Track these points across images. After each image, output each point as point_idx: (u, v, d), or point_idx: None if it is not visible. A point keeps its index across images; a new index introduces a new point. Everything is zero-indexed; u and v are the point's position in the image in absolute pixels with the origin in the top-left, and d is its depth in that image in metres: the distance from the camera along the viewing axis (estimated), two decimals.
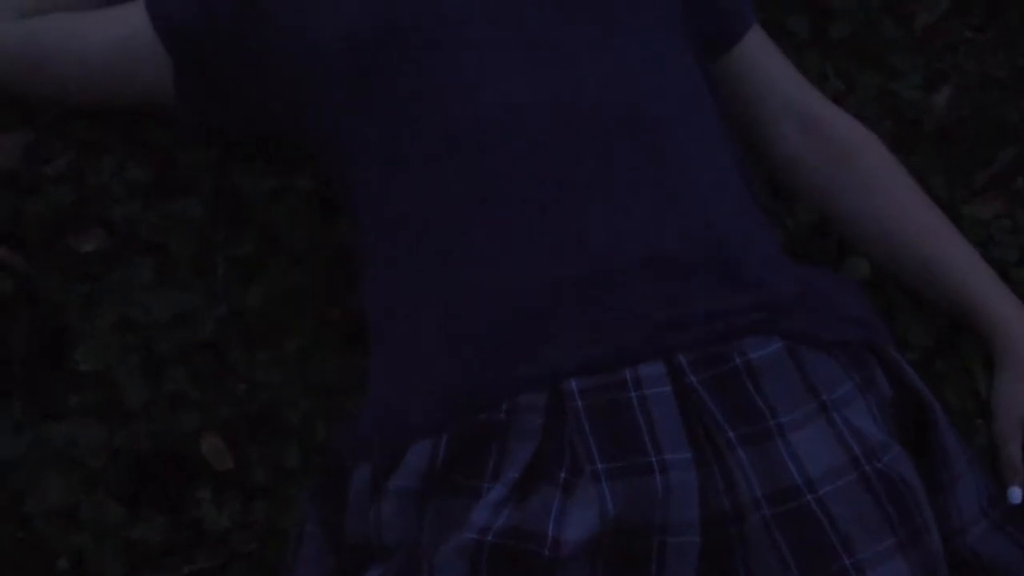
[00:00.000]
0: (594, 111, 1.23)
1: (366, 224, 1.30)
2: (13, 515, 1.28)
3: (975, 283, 1.41)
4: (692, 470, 1.09)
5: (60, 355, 1.36)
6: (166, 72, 1.42)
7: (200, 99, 1.43)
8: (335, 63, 1.31)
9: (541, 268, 1.16)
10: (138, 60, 1.43)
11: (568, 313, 1.15)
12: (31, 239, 1.40)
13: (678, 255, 1.18)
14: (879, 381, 1.21)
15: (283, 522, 1.30)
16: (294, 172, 1.45)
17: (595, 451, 1.09)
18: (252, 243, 1.42)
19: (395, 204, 1.26)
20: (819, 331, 1.18)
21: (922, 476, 1.16)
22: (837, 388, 1.15)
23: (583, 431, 1.10)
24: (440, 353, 1.19)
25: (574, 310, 1.15)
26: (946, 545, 1.15)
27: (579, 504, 1.07)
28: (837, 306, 1.22)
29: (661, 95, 1.27)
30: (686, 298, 1.16)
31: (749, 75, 1.48)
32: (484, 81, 1.24)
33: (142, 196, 1.43)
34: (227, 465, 1.32)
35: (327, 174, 1.40)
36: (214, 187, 1.44)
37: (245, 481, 1.32)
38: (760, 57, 1.49)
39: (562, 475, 1.10)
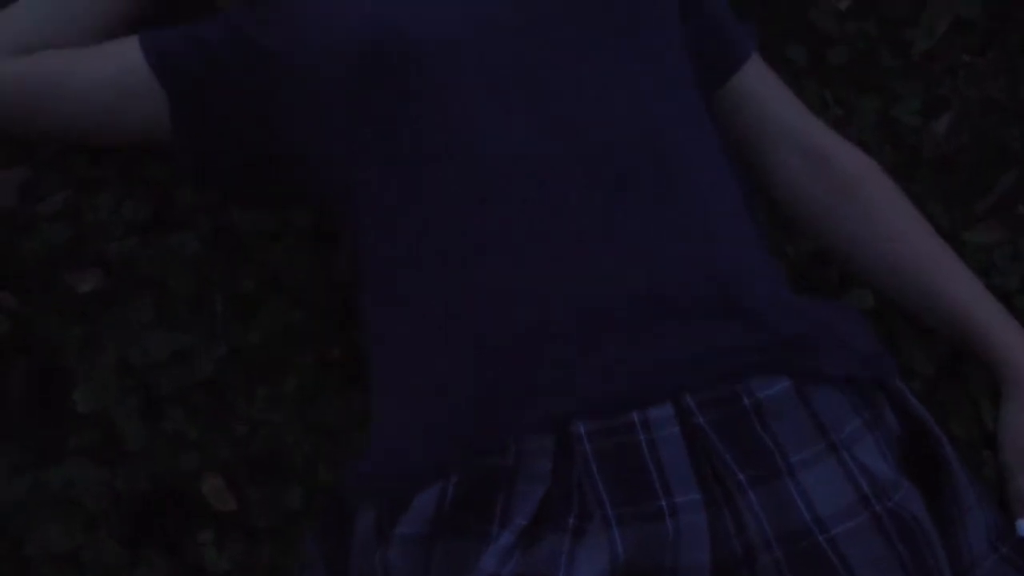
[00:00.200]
0: (600, 144, 1.22)
1: (367, 262, 1.29)
2: (13, 559, 1.27)
3: (979, 312, 1.40)
4: (702, 512, 1.08)
5: (58, 397, 1.35)
6: (163, 108, 1.41)
7: (197, 135, 1.41)
8: (335, 101, 1.30)
9: (546, 309, 1.15)
10: (134, 96, 1.41)
11: (574, 354, 1.14)
12: (27, 279, 1.39)
13: (685, 293, 1.17)
14: (887, 416, 1.20)
15: (286, 564, 1.29)
16: (293, 209, 1.44)
17: (605, 496, 1.08)
18: (251, 281, 1.41)
19: (396, 242, 1.25)
20: (826, 368, 1.17)
21: (931, 511, 1.16)
22: (846, 426, 1.14)
23: (592, 475, 1.09)
24: (444, 394, 1.18)
25: (580, 351, 1.14)
26: None
27: (589, 550, 1.06)
28: (843, 341, 1.21)
29: (667, 126, 1.26)
30: (693, 337, 1.15)
31: (749, 103, 1.47)
32: (487, 115, 1.24)
33: (139, 233, 1.42)
34: (229, 506, 1.31)
35: (327, 211, 1.39)
36: (212, 224, 1.43)
37: (247, 522, 1.31)
38: (760, 85, 1.48)
39: (571, 520, 1.09)
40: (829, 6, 1.58)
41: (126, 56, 1.42)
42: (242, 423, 1.34)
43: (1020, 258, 1.45)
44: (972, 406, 1.35)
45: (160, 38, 1.42)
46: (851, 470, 1.11)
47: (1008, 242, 1.47)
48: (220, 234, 1.43)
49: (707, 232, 1.22)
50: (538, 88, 1.25)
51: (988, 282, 1.42)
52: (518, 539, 1.08)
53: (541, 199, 1.20)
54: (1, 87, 1.41)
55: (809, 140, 1.47)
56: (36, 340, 1.36)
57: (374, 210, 1.28)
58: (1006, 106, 1.57)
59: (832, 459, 1.12)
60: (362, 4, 1.33)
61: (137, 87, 1.41)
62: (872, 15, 1.59)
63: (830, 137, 1.48)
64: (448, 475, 1.13)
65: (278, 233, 1.43)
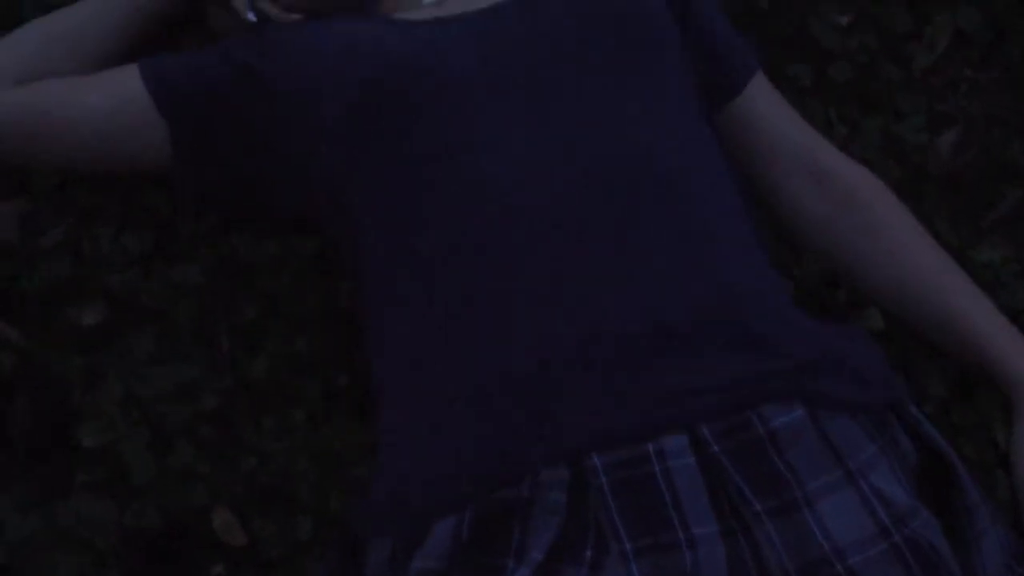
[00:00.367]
0: (607, 171, 1.22)
1: (374, 292, 1.28)
2: None
3: (988, 333, 1.39)
4: (720, 543, 1.08)
5: (64, 432, 1.33)
6: (163, 137, 1.40)
7: (197, 164, 1.40)
8: (337, 132, 1.29)
9: (557, 340, 1.15)
10: (134, 125, 1.40)
11: (588, 385, 1.13)
12: (29, 313, 1.38)
13: (696, 322, 1.16)
14: (901, 440, 1.19)
15: None
16: (295, 235, 1.43)
17: (622, 529, 1.08)
18: (255, 310, 1.40)
19: (405, 272, 1.24)
20: (840, 395, 1.16)
21: (946, 534, 1.15)
22: (861, 453, 1.14)
23: (608, 508, 1.08)
24: (456, 425, 1.17)
25: (593, 381, 1.13)
26: None
27: None
28: (856, 366, 1.21)
29: (675, 153, 1.26)
30: (706, 366, 1.15)
31: (754, 123, 1.47)
32: (494, 144, 1.23)
33: (141, 264, 1.40)
34: (239, 540, 1.30)
35: (330, 239, 1.37)
36: (214, 253, 1.42)
37: (258, 555, 1.30)
38: (764, 104, 1.47)
39: (588, 553, 1.08)
40: (830, 21, 1.57)
41: (126, 85, 1.41)
42: (250, 455, 1.33)
43: None
44: (985, 427, 1.35)
45: (160, 67, 1.41)
46: (868, 498, 1.11)
47: (1015, 259, 1.47)
48: (222, 263, 1.42)
49: (717, 257, 1.21)
50: (543, 115, 1.25)
51: (996, 300, 1.41)
52: (534, 573, 1.07)
53: (549, 229, 1.19)
54: (3, 118, 1.40)
55: (814, 159, 1.47)
56: (40, 374, 1.34)
57: (379, 240, 1.27)
58: (1010, 121, 1.57)
59: (849, 487, 1.11)
60: (364, 35, 1.33)
61: (137, 116, 1.40)
62: (873, 30, 1.58)
63: (835, 156, 1.47)
64: (463, 508, 1.12)
65: (281, 260, 1.41)
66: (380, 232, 1.27)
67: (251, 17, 1.42)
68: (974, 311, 1.41)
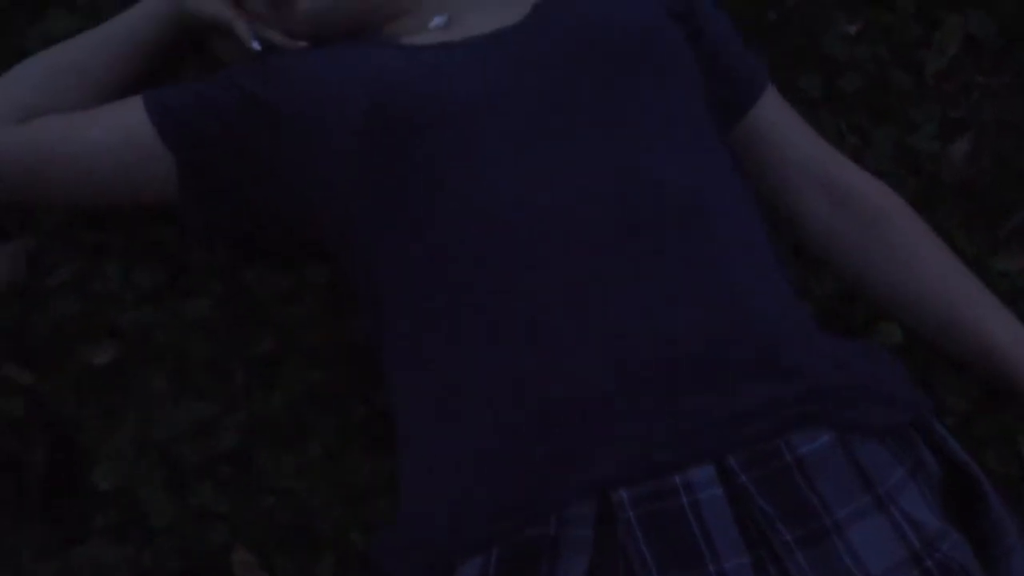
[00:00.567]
0: (624, 199, 1.20)
1: (390, 323, 1.27)
2: None
3: (1007, 343, 1.38)
4: (751, 575, 1.06)
5: (79, 475, 1.32)
6: (170, 170, 1.38)
7: (205, 196, 1.39)
8: (345, 156, 1.28)
9: (581, 372, 1.13)
10: (140, 159, 1.39)
11: (612, 417, 1.12)
12: (40, 353, 1.36)
13: (719, 350, 1.15)
14: (927, 460, 1.18)
15: None
16: (307, 266, 1.41)
17: (652, 564, 1.06)
18: (269, 344, 1.38)
19: (421, 304, 1.23)
20: (867, 419, 1.15)
21: (974, 550, 1.14)
22: (889, 477, 1.12)
23: (637, 542, 1.07)
24: (478, 462, 1.15)
25: (617, 415, 1.12)
26: None
27: None
28: (880, 388, 1.19)
29: (690, 174, 1.24)
30: (731, 394, 1.13)
31: (767, 137, 1.46)
32: (509, 171, 1.21)
33: (152, 301, 1.39)
34: None
35: (342, 269, 1.36)
36: (225, 287, 1.40)
37: None
38: (776, 119, 1.46)
39: None
40: (840, 31, 1.56)
41: (131, 118, 1.39)
42: (269, 492, 1.31)
43: None
44: (1009, 440, 1.34)
45: (164, 98, 1.39)
46: (899, 523, 1.10)
47: None
48: (234, 297, 1.40)
49: (737, 282, 1.20)
50: (552, 141, 1.23)
51: (1014, 309, 1.40)
52: None
53: (569, 259, 1.17)
54: (8, 155, 1.39)
55: (828, 173, 1.45)
56: (53, 417, 1.33)
57: (393, 272, 1.26)
58: (1022, 127, 1.55)
59: (879, 514, 1.10)
60: (369, 60, 1.31)
61: (143, 150, 1.39)
62: (882, 38, 1.57)
63: (849, 169, 1.46)
64: (489, 548, 1.10)
65: (294, 293, 1.40)
66: (392, 262, 1.26)
67: (255, 45, 1.41)
68: (992, 321, 1.40)
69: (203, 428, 1.34)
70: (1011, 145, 1.54)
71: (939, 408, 1.33)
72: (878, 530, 1.09)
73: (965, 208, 1.51)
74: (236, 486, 1.32)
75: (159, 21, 1.48)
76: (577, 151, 1.23)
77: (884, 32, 1.58)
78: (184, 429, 1.33)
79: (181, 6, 1.48)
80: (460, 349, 1.19)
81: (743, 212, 1.28)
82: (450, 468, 1.17)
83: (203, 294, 1.40)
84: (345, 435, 1.35)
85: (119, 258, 1.41)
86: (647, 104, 1.27)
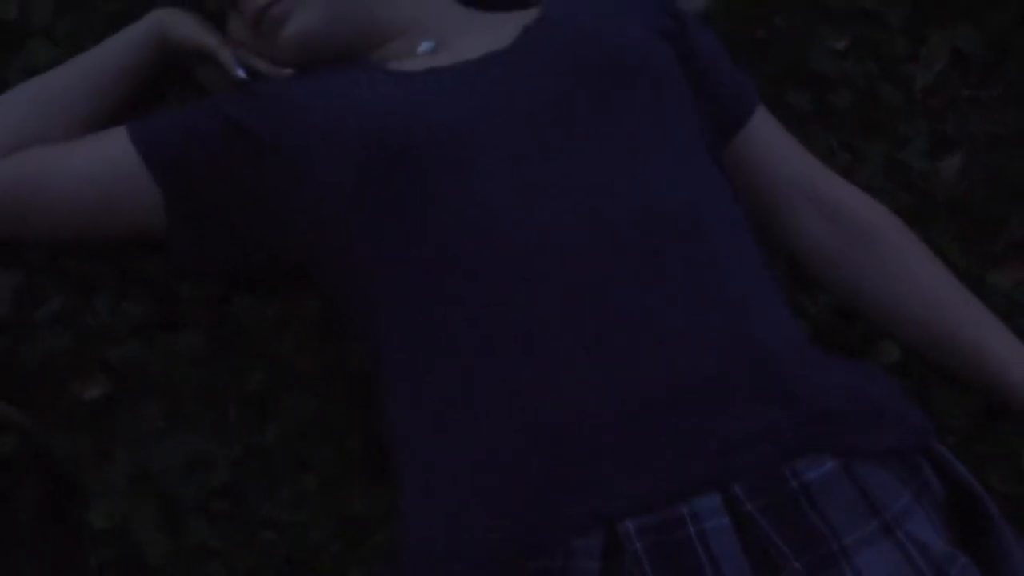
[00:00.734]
0: (623, 224, 1.19)
1: (385, 349, 1.25)
2: None
3: (1004, 358, 1.38)
4: None
5: (72, 512, 1.30)
6: (157, 201, 1.37)
7: (193, 227, 1.37)
8: (333, 183, 1.27)
9: (584, 401, 1.12)
10: (126, 190, 1.37)
11: (616, 447, 1.11)
12: (30, 389, 1.34)
13: (723, 376, 1.14)
14: (932, 483, 1.18)
15: None
16: (297, 295, 1.40)
17: None
18: (261, 376, 1.36)
19: (416, 337, 1.22)
20: (871, 443, 1.15)
21: (981, 573, 1.13)
22: (896, 502, 1.12)
23: (645, 574, 1.06)
24: (481, 494, 1.14)
25: (621, 444, 1.11)
26: None
27: None
28: (882, 410, 1.19)
29: (689, 197, 1.24)
30: (735, 421, 1.12)
31: (758, 156, 1.45)
32: (504, 190, 1.21)
33: (141, 334, 1.37)
34: None
35: (334, 298, 1.34)
36: (215, 318, 1.38)
37: None
38: (768, 138, 1.46)
39: None
40: (827, 47, 1.56)
41: (116, 149, 1.38)
42: (266, 527, 1.30)
43: None
44: (1012, 457, 1.33)
45: (149, 128, 1.38)
46: (906, 548, 1.10)
47: None
48: (224, 328, 1.38)
49: (737, 306, 1.19)
50: (552, 163, 1.22)
51: (1010, 324, 1.40)
52: None
53: (569, 288, 1.16)
54: None
55: (820, 190, 1.45)
56: (45, 453, 1.31)
57: (389, 303, 1.24)
58: (1013, 140, 1.55)
59: (886, 539, 1.10)
60: (356, 88, 1.30)
61: (129, 181, 1.37)
62: (871, 53, 1.57)
63: (841, 185, 1.46)
64: None
65: (283, 323, 1.38)
66: (386, 286, 1.24)
67: (240, 74, 1.39)
68: (989, 337, 1.40)
69: (197, 462, 1.32)
70: (1003, 158, 1.54)
71: (939, 427, 1.32)
72: (886, 555, 1.09)
73: (958, 223, 1.50)
74: (232, 521, 1.30)
75: (142, 49, 1.47)
76: (571, 169, 1.22)
77: (872, 47, 1.57)
78: (178, 464, 1.31)
79: (164, 34, 1.46)
80: (456, 375, 1.18)
81: (738, 229, 1.27)
82: (450, 498, 1.16)
83: (193, 326, 1.38)
84: (342, 466, 1.34)
85: (108, 291, 1.39)
86: (640, 122, 1.26)
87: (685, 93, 1.34)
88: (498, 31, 1.36)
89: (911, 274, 1.42)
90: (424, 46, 1.39)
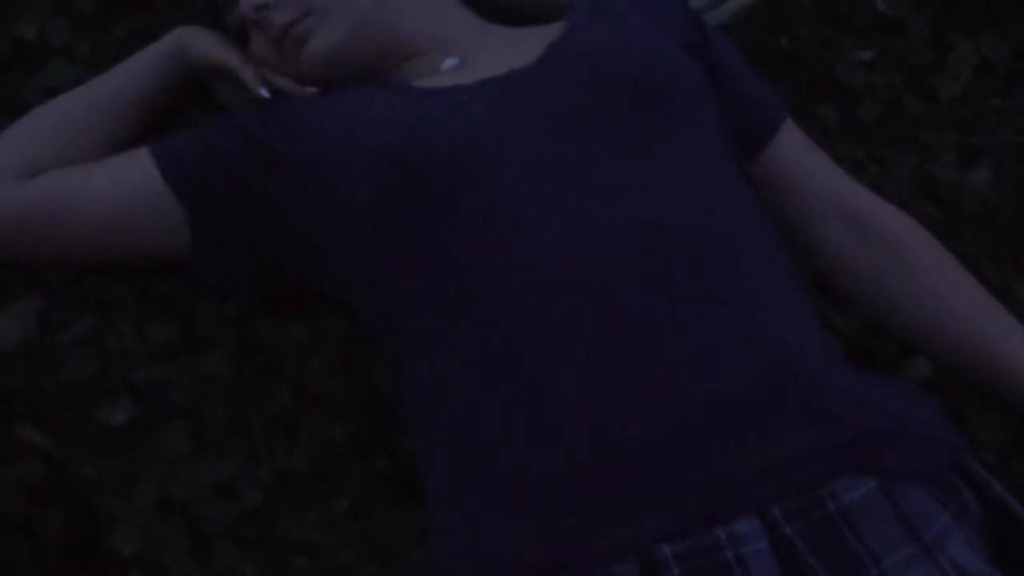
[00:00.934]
0: (651, 238, 1.18)
1: (413, 375, 1.24)
2: None
3: None
4: None
5: (99, 539, 1.29)
6: (180, 221, 1.36)
7: (218, 247, 1.36)
8: (356, 201, 1.25)
9: (615, 424, 1.11)
10: (150, 211, 1.37)
11: (651, 471, 1.09)
12: (55, 414, 1.33)
13: (756, 396, 1.12)
14: (969, 502, 1.16)
15: None
16: (323, 316, 1.38)
17: None
18: (287, 398, 1.35)
19: (443, 357, 1.20)
20: (908, 463, 1.13)
21: None
22: (935, 523, 1.11)
23: None
24: (514, 520, 1.12)
25: (657, 467, 1.09)
26: None
27: None
28: (918, 429, 1.17)
29: (718, 213, 1.22)
30: (771, 442, 1.11)
31: (786, 172, 1.44)
32: (529, 221, 1.19)
33: (166, 357, 1.36)
34: None
35: (359, 314, 1.33)
36: (240, 339, 1.37)
37: None
38: (795, 152, 1.44)
39: None
40: (854, 58, 1.54)
41: (139, 171, 1.37)
42: (296, 552, 1.28)
43: None
44: None
45: (173, 150, 1.37)
46: (946, 571, 1.09)
47: None
48: (250, 350, 1.37)
49: (771, 326, 1.18)
50: (578, 184, 1.21)
51: None
52: None
53: (598, 306, 1.15)
54: (12, 213, 1.36)
55: (850, 204, 1.44)
56: (71, 480, 1.30)
57: (415, 322, 1.23)
58: None
59: (927, 562, 1.09)
60: (378, 106, 1.29)
61: (152, 202, 1.37)
62: (897, 65, 1.55)
63: (870, 199, 1.45)
64: None
65: (311, 344, 1.37)
66: (408, 309, 1.23)
67: (263, 92, 1.38)
68: (1021, 350, 1.38)
69: (225, 487, 1.31)
70: None
71: (973, 443, 1.31)
72: None
73: (988, 235, 1.49)
74: (261, 546, 1.29)
75: (163, 68, 1.46)
76: (596, 187, 1.20)
77: (897, 58, 1.56)
78: (206, 489, 1.30)
79: (185, 52, 1.45)
80: (483, 398, 1.16)
81: (770, 247, 1.26)
82: (482, 522, 1.14)
83: (218, 347, 1.37)
84: (371, 489, 1.33)
85: (131, 313, 1.37)
86: (665, 137, 1.25)
87: (711, 107, 1.33)
88: (522, 47, 1.35)
89: (941, 288, 1.41)
90: (448, 63, 1.38)
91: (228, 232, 1.35)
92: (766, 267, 1.23)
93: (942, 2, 1.59)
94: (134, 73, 1.45)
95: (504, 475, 1.14)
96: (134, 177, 1.37)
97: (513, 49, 1.35)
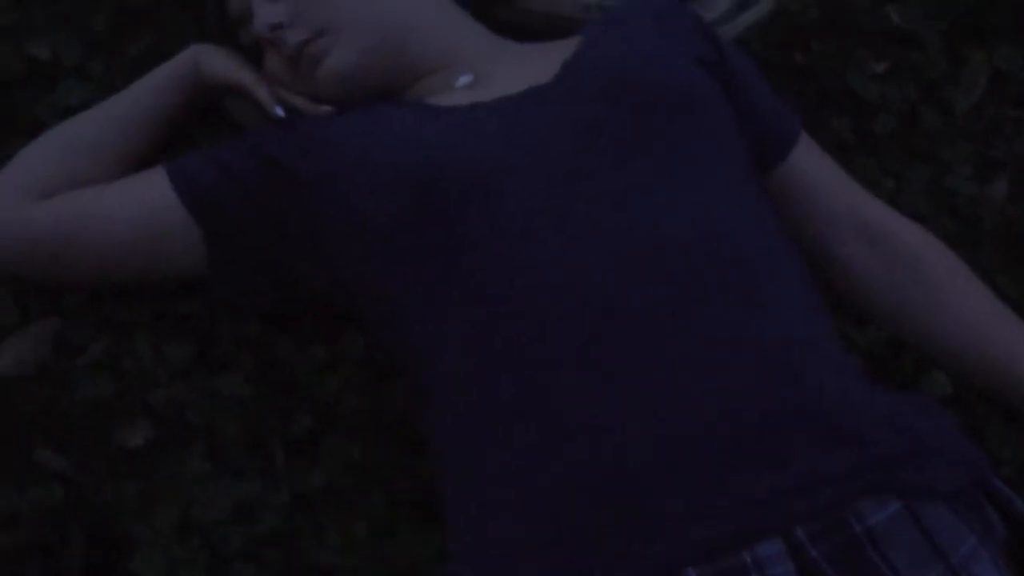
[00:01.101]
0: (673, 259, 1.17)
1: (431, 397, 1.23)
2: None
3: None
4: None
5: (118, 562, 1.28)
6: (197, 241, 1.36)
7: (235, 267, 1.36)
8: (372, 220, 1.25)
9: (640, 444, 1.10)
10: (166, 231, 1.36)
11: (675, 492, 1.09)
12: (73, 437, 1.32)
13: (781, 418, 1.12)
14: (994, 521, 1.16)
15: None
16: (342, 337, 1.38)
17: None
18: (306, 418, 1.35)
19: (461, 377, 1.20)
20: (932, 483, 1.13)
21: None
22: (961, 545, 1.10)
23: None
24: (536, 542, 1.12)
25: (681, 489, 1.09)
26: None
27: None
28: (941, 448, 1.17)
29: (736, 227, 1.22)
30: (794, 463, 1.10)
31: (802, 184, 1.43)
32: (546, 241, 1.18)
33: (184, 377, 1.36)
34: None
35: (377, 335, 1.32)
36: (258, 360, 1.37)
37: None
38: (811, 167, 1.44)
39: None
40: (867, 70, 1.54)
41: (155, 191, 1.37)
42: (317, 574, 1.28)
43: None
44: None
45: (188, 169, 1.36)
46: None
47: None
48: (268, 370, 1.37)
49: (792, 343, 1.17)
50: (597, 203, 1.20)
51: None
52: None
53: (620, 327, 1.14)
54: (28, 234, 1.36)
55: (865, 217, 1.43)
56: (89, 502, 1.30)
57: (435, 344, 1.22)
58: None
59: None
60: (394, 124, 1.29)
61: (169, 221, 1.36)
62: (911, 76, 1.55)
63: (887, 214, 1.44)
64: None
65: (330, 365, 1.37)
66: (434, 338, 1.22)
67: (278, 111, 1.37)
68: None
69: (244, 509, 1.30)
70: None
71: (994, 460, 1.31)
72: None
73: (1006, 249, 1.48)
74: (280, 569, 1.29)
75: (176, 86, 1.45)
76: (613, 205, 1.19)
77: (911, 70, 1.56)
78: (225, 511, 1.30)
79: (199, 71, 1.45)
80: (503, 420, 1.15)
81: (788, 263, 1.25)
82: (502, 545, 1.14)
83: (235, 368, 1.37)
84: (391, 510, 1.32)
85: (149, 334, 1.37)
86: (683, 154, 1.24)
87: (727, 123, 1.32)
88: (537, 64, 1.35)
89: (959, 302, 1.40)
90: (462, 80, 1.38)
91: (244, 251, 1.35)
92: (786, 281, 1.22)
93: (956, 14, 1.58)
94: (148, 92, 1.45)
95: (524, 499, 1.13)
96: (149, 197, 1.36)
97: (528, 66, 1.35)
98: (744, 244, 1.21)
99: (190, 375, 1.37)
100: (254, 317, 1.39)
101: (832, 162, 1.46)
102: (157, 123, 1.45)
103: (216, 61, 1.44)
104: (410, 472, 1.34)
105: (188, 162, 1.38)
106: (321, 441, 1.35)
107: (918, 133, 1.53)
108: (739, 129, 1.34)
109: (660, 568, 1.07)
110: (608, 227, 1.18)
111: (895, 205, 1.45)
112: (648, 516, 1.09)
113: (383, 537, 1.31)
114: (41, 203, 1.36)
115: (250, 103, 1.43)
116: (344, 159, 1.28)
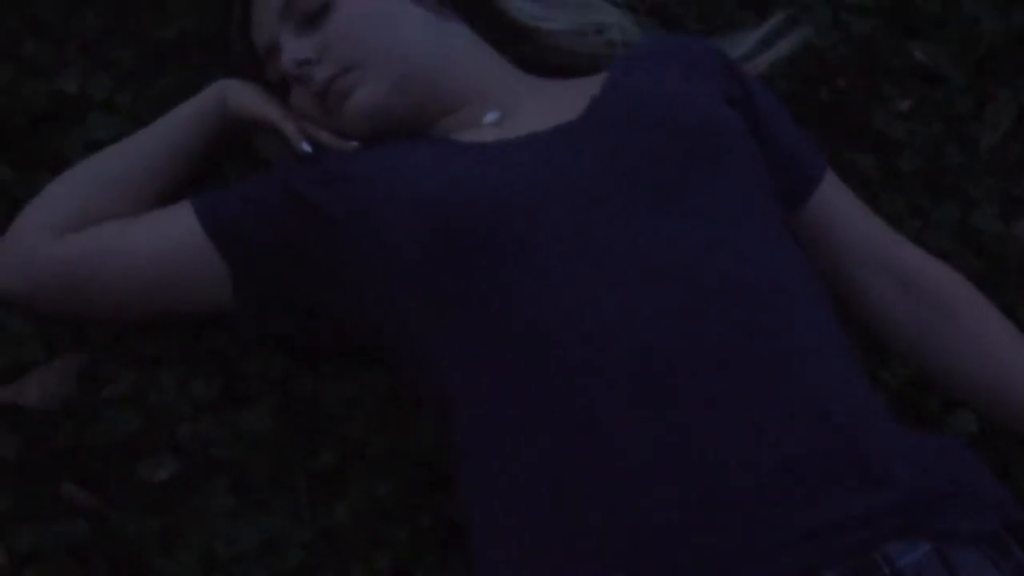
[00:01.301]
0: (702, 295, 1.16)
1: (460, 433, 1.23)
2: None
3: None
4: None
5: None
6: (223, 276, 1.36)
7: (261, 302, 1.36)
8: (399, 257, 1.25)
9: (660, 490, 1.09)
10: (193, 266, 1.36)
11: (708, 535, 1.08)
12: (98, 472, 1.33)
13: (811, 461, 1.11)
14: (1020, 560, 1.15)
15: None
16: (367, 372, 1.38)
17: None
18: (331, 454, 1.35)
19: (491, 417, 1.19)
20: (961, 525, 1.12)
21: None
22: None
23: None
24: None
25: (714, 531, 1.08)
26: None
27: None
28: (970, 489, 1.16)
29: (765, 266, 1.21)
30: (822, 504, 1.09)
31: (827, 222, 1.43)
32: (576, 281, 1.18)
33: (210, 412, 1.36)
34: None
35: (405, 371, 1.32)
36: (284, 395, 1.37)
37: None
38: (837, 205, 1.44)
39: None
40: (893, 107, 1.54)
41: (181, 225, 1.37)
42: None
43: None
44: None
45: (215, 203, 1.37)
46: None
47: None
48: (293, 405, 1.37)
49: (822, 384, 1.16)
50: (626, 244, 1.20)
51: None
52: None
53: (650, 368, 1.13)
54: (53, 269, 1.36)
55: (891, 256, 1.43)
56: (115, 538, 1.30)
57: (463, 380, 1.22)
58: None
59: None
60: (420, 161, 1.29)
61: (195, 256, 1.36)
62: (936, 114, 1.55)
63: (914, 252, 1.44)
64: None
65: (355, 400, 1.37)
66: (455, 368, 1.22)
67: (305, 147, 1.38)
68: None
69: (268, 544, 1.30)
70: None
71: (1019, 497, 1.30)
72: None
73: None
74: None
75: (203, 122, 1.45)
76: (644, 244, 1.19)
77: (936, 108, 1.56)
78: (249, 546, 1.30)
79: (226, 105, 1.45)
80: (529, 461, 1.15)
81: (816, 302, 1.24)
82: None
83: (261, 403, 1.37)
84: (415, 546, 1.32)
85: (174, 369, 1.37)
86: (713, 192, 1.24)
87: (755, 160, 1.32)
88: (564, 101, 1.35)
89: (985, 341, 1.40)
90: (489, 116, 1.38)
91: (270, 285, 1.35)
92: (814, 321, 1.22)
93: (980, 51, 1.58)
94: (174, 127, 1.45)
95: (549, 542, 1.12)
96: (175, 231, 1.37)
97: (555, 103, 1.35)
98: (779, 285, 1.21)
99: (215, 410, 1.37)
100: (279, 352, 1.39)
101: (858, 200, 1.46)
102: (184, 158, 1.45)
103: (243, 96, 1.45)
104: (434, 508, 1.34)
105: (215, 196, 1.38)
106: (346, 476, 1.35)
107: (943, 170, 1.53)
108: (766, 166, 1.34)
109: None
110: (641, 268, 1.18)
111: (920, 243, 1.45)
112: (684, 560, 1.08)
113: (407, 573, 1.31)
114: (67, 238, 1.37)
115: (277, 138, 1.43)
116: (370, 195, 1.29)
